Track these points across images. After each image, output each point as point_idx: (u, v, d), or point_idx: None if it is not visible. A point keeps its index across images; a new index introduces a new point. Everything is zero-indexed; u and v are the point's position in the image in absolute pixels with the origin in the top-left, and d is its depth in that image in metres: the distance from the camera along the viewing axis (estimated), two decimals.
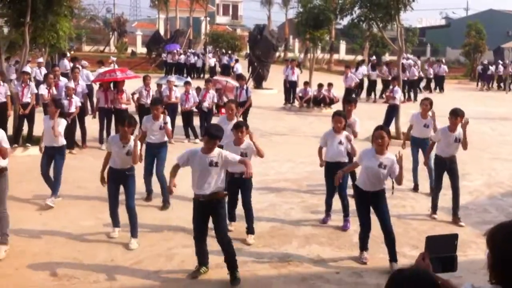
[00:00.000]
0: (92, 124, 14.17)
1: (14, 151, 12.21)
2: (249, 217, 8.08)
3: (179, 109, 15.64)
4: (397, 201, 10.14)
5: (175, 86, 15.93)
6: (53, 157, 9.37)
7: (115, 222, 7.92)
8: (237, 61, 33.88)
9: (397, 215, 9.27)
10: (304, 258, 7.41)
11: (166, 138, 9.78)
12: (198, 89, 17.16)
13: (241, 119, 10.74)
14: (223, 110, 10.80)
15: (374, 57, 33.18)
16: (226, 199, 6.97)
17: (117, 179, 7.71)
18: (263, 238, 8.06)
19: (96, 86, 15.79)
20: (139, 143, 7.58)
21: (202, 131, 15.38)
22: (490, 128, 19.51)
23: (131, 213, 7.67)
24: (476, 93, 33.03)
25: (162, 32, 55.93)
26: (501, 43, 42.99)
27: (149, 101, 12.88)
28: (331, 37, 42.23)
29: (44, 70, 19.58)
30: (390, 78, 26.22)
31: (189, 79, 19.91)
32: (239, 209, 8.28)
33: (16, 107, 13.29)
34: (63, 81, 15.29)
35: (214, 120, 12.79)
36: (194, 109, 15.89)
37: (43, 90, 14.04)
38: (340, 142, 8.49)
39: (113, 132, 12.61)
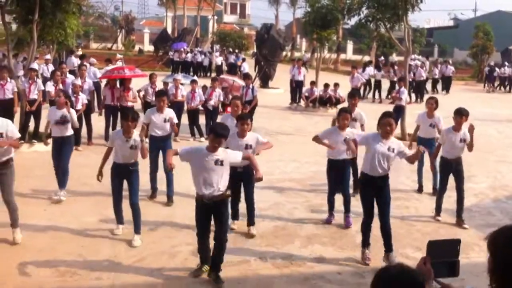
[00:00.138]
0: (98, 121, 14.22)
1: (20, 146, 12.26)
2: (251, 212, 8.17)
3: (185, 108, 15.67)
4: (401, 202, 10.14)
5: (182, 84, 15.97)
6: (61, 147, 9.47)
7: (119, 219, 7.95)
8: (244, 60, 33.88)
9: (400, 216, 9.28)
10: (306, 258, 7.41)
11: (170, 131, 9.81)
12: (204, 88, 17.18)
13: None
14: (229, 109, 10.80)
15: (382, 58, 33.04)
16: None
17: (120, 174, 7.73)
18: (266, 238, 8.08)
19: (103, 84, 15.85)
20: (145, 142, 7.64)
21: (207, 130, 15.42)
22: (496, 131, 19.44)
23: (135, 208, 7.70)
24: (483, 95, 32.92)
25: (169, 30, 56.03)
26: (509, 45, 42.87)
27: (154, 99, 12.90)
28: (339, 37, 42.15)
29: (51, 67, 19.65)
30: (395, 79, 26.26)
31: (195, 77, 19.94)
32: (241, 207, 8.31)
33: (23, 104, 13.34)
34: (70, 78, 15.35)
35: (220, 119, 12.80)
36: (200, 108, 15.91)
37: (50, 87, 14.12)
38: (345, 139, 8.50)
39: None
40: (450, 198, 9.41)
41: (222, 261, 6.52)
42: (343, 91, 22.43)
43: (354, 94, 10.62)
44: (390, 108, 17.18)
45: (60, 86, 14.20)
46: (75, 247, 7.38)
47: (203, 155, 6.29)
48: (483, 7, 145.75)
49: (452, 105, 9.38)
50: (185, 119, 15.55)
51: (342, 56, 52.56)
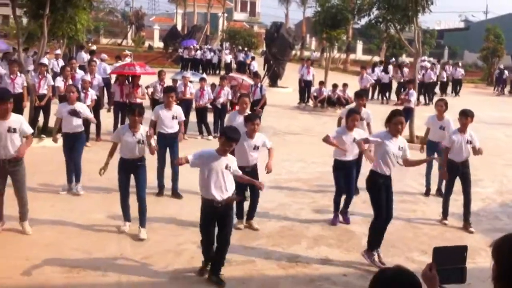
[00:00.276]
0: (107, 117, 14.26)
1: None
2: (254, 207, 8.31)
3: (194, 105, 15.68)
4: (408, 205, 10.12)
5: (190, 82, 15.97)
6: (73, 143, 9.53)
7: (126, 216, 7.98)
8: (253, 58, 33.83)
9: (407, 219, 9.27)
10: (312, 259, 7.41)
11: (178, 128, 9.84)
12: (213, 86, 17.18)
13: None
14: (237, 108, 10.81)
15: (393, 59, 32.84)
16: None
17: (128, 170, 7.78)
18: (272, 238, 8.08)
19: (113, 80, 15.88)
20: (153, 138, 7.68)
21: (215, 128, 15.45)
22: (504, 134, 19.35)
23: (142, 202, 7.78)
24: (492, 98, 32.78)
25: (179, 27, 56.14)
26: None
27: (162, 96, 12.93)
28: (348, 37, 42.01)
29: (61, 62, 19.71)
30: (402, 80, 26.19)
31: (204, 75, 19.95)
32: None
33: (32, 99, 13.40)
34: (79, 73, 15.39)
35: (227, 116, 12.80)
36: (209, 106, 15.92)
37: (59, 82, 14.15)
38: (354, 140, 8.50)
39: None
40: (457, 201, 9.38)
41: (224, 264, 6.53)
42: (352, 92, 22.36)
43: (362, 95, 10.68)
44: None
45: (70, 81, 14.25)
46: (82, 243, 7.42)
47: (214, 158, 6.23)
48: (494, 9, 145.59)
49: (461, 107, 9.33)
50: (193, 117, 15.57)
51: (352, 56, 52.43)
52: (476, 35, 51.19)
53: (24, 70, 13.99)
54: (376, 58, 42.92)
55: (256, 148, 7.92)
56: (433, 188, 10.92)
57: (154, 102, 14.68)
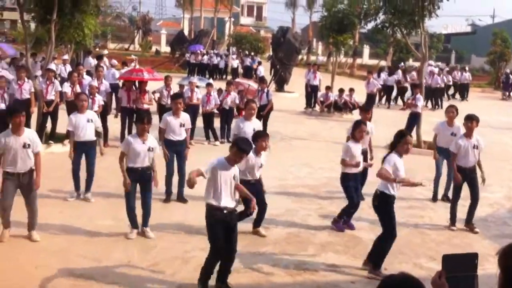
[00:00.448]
0: (114, 123, 14.29)
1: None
2: (262, 215, 8.28)
3: (200, 111, 15.69)
4: (415, 211, 10.09)
5: (197, 87, 15.97)
6: (86, 152, 9.61)
7: (133, 223, 8.00)
8: (259, 63, 33.81)
9: (414, 225, 9.24)
10: (320, 266, 7.40)
11: (185, 135, 9.88)
12: (219, 91, 17.20)
13: (261, 123, 10.74)
14: (243, 113, 10.81)
15: (402, 64, 32.70)
16: None
17: (135, 178, 7.86)
18: (279, 245, 8.07)
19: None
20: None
21: (222, 133, 15.46)
22: None
23: (146, 208, 7.97)
24: (499, 102, 32.68)
25: (186, 31, 56.20)
26: None
27: (169, 102, 12.94)
28: (355, 42, 41.95)
29: (69, 67, 19.77)
30: (406, 84, 26.18)
31: (211, 80, 19.96)
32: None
33: (40, 104, 13.42)
34: (87, 79, 15.44)
35: (234, 122, 12.81)
36: (215, 111, 15.93)
37: (66, 88, 14.18)
38: (362, 152, 8.54)
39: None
40: (464, 207, 9.34)
41: (230, 271, 6.52)
42: (359, 97, 22.40)
43: (368, 109, 10.76)
44: (402, 114, 17.12)
45: (77, 87, 14.30)
46: (90, 250, 7.43)
47: (225, 167, 6.24)
48: (501, 13, 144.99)
49: (468, 112, 9.34)
50: (200, 122, 15.58)
51: (358, 60, 52.35)
52: (483, 39, 51.04)
53: (32, 76, 14.02)
54: (383, 63, 42.87)
55: (261, 167, 8.04)
56: (440, 193, 10.87)
57: (161, 108, 14.69)
